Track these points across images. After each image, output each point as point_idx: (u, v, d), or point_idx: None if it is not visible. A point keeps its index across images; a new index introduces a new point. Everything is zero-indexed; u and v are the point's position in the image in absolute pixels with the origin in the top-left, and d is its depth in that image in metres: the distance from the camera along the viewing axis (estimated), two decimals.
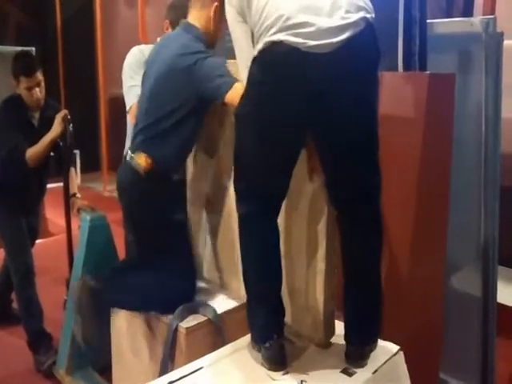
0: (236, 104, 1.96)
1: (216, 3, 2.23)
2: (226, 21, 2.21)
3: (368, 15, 1.58)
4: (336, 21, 1.53)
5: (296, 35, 1.52)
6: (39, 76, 2.96)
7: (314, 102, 1.59)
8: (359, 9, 1.57)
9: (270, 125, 1.66)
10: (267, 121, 1.65)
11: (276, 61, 1.58)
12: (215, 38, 2.30)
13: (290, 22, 1.52)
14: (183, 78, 2.11)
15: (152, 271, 2.26)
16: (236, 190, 1.82)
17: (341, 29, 1.53)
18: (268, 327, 1.79)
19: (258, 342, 1.81)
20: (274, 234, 1.81)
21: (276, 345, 1.78)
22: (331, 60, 1.53)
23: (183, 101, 2.13)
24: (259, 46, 1.60)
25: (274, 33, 1.54)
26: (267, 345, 1.77)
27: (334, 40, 1.52)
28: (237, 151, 1.80)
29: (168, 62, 2.16)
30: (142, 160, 2.16)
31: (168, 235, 2.25)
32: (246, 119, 1.73)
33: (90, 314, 2.19)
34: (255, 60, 1.64)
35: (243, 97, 1.74)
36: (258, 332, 1.82)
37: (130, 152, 2.23)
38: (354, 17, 1.55)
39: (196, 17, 2.26)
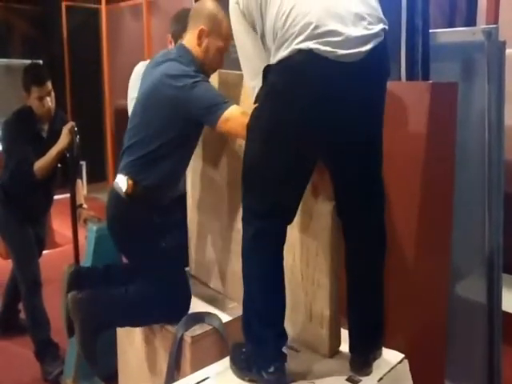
0: (232, 132, 1.97)
1: (202, 26, 2.11)
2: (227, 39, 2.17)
3: (386, 26, 1.60)
4: (362, 30, 1.53)
5: (325, 44, 1.49)
6: (49, 86, 3.00)
7: (336, 111, 1.57)
8: (379, 20, 1.59)
9: (289, 136, 1.60)
10: (286, 132, 1.60)
11: (303, 70, 1.53)
12: (208, 66, 2.17)
13: (319, 30, 1.49)
14: (168, 100, 2.02)
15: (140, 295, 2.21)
16: (248, 207, 1.73)
17: (366, 39, 1.53)
18: (275, 351, 1.74)
19: (259, 366, 1.73)
20: (282, 254, 1.75)
21: (281, 369, 1.73)
22: (357, 69, 1.53)
23: (168, 124, 2.05)
24: (282, 53, 1.54)
25: (302, 40, 1.50)
26: (271, 369, 1.70)
27: (363, 49, 1.52)
28: (251, 165, 1.71)
29: (155, 82, 2.08)
30: (124, 183, 2.09)
31: (157, 260, 2.19)
32: (261, 131, 1.66)
33: (86, 330, 2.17)
34: (276, 68, 1.59)
35: (257, 109, 1.69)
36: (262, 357, 1.73)
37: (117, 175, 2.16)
38: (376, 28, 1.56)
39: (187, 39, 2.17)
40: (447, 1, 3.22)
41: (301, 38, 1.51)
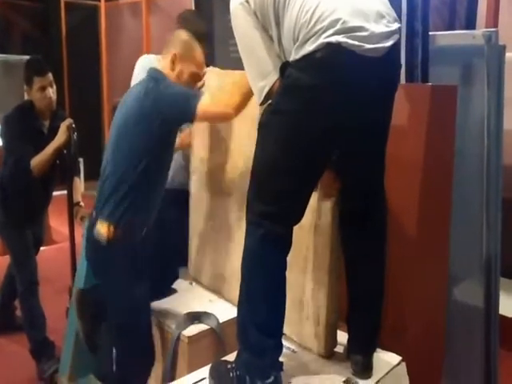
0: (212, 112, 2.00)
1: (174, 52, 2.13)
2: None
3: (400, 25, 1.64)
4: (383, 27, 1.56)
5: (353, 38, 1.51)
6: (51, 77, 3.00)
7: (358, 106, 1.58)
8: (395, 20, 1.63)
9: (308, 133, 1.58)
10: (309, 126, 1.58)
11: (330, 63, 1.53)
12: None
13: (348, 25, 1.51)
14: (136, 113, 2.01)
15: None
16: (258, 209, 1.66)
17: (387, 35, 1.57)
18: (273, 361, 1.71)
19: (256, 377, 1.68)
20: (286, 261, 1.71)
21: (279, 379, 1.70)
22: (381, 64, 1.56)
23: (134, 144, 2.01)
24: (308, 48, 1.53)
25: (331, 34, 1.51)
26: (270, 380, 1.67)
27: (386, 45, 1.55)
28: (264, 165, 1.66)
29: (125, 106, 2.07)
30: (104, 229, 2.02)
31: (132, 301, 2.11)
32: (279, 128, 1.62)
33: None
34: (300, 64, 1.57)
35: (273, 105, 1.66)
36: (260, 367, 1.69)
37: (90, 219, 2.09)
38: (394, 26, 1.60)
39: (163, 64, 2.17)
40: (447, 4, 3.22)
41: (329, 32, 1.52)
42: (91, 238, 2.08)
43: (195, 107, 1.97)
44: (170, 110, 1.99)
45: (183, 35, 2.21)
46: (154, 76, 2.10)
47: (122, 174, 2.03)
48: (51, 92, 2.98)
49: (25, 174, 2.91)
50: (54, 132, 2.97)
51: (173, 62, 2.13)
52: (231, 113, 1.99)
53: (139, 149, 2.01)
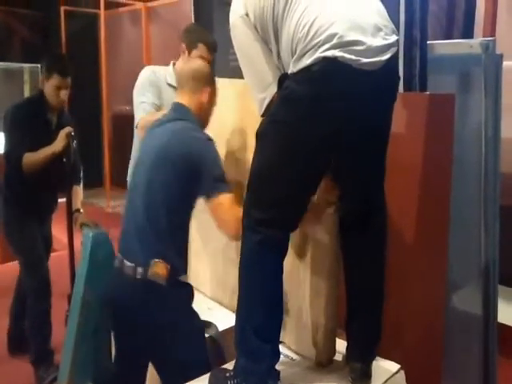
0: (218, 217, 1.95)
1: (209, 88, 2.11)
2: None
3: (398, 37, 1.66)
4: (380, 41, 1.58)
5: (350, 52, 1.52)
6: (70, 81, 3.04)
7: (355, 118, 1.59)
8: (393, 31, 1.64)
9: (305, 143, 1.60)
10: (305, 137, 1.60)
11: (326, 77, 1.54)
12: (207, 121, 2.18)
13: (344, 40, 1.53)
14: (180, 165, 1.96)
15: None
16: (254, 215, 1.69)
17: (385, 48, 1.58)
18: (270, 368, 1.71)
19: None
20: (283, 266, 1.73)
21: None
22: (378, 77, 1.57)
23: (181, 188, 1.97)
24: (305, 61, 1.55)
25: (328, 49, 1.52)
26: None
27: (383, 58, 1.57)
28: (261, 173, 1.70)
29: (162, 149, 2.01)
30: (160, 268, 1.91)
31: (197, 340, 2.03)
32: (276, 137, 1.65)
33: None
34: (297, 77, 1.59)
35: (272, 115, 1.68)
36: (257, 374, 1.69)
37: (128, 263, 1.97)
38: (391, 39, 1.61)
39: (187, 99, 2.11)
40: (445, 13, 3.24)
41: (326, 46, 1.53)
42: (145, 283, 1.93)
43: (216, 195, 1.93)
44: (206, 176, 1.95)
45: (207, 67, 2.18)
46: (185, 117, 2.07)
47: (179, 216, 2.01)
48: (64, 94, 3.02)
49: (16, 167, 2.90)
50: (59, 127, 2.98)
51: (209, 100, 2.13)
52: (234, 232, 1.90)
53: (190, 190, 1.99)
